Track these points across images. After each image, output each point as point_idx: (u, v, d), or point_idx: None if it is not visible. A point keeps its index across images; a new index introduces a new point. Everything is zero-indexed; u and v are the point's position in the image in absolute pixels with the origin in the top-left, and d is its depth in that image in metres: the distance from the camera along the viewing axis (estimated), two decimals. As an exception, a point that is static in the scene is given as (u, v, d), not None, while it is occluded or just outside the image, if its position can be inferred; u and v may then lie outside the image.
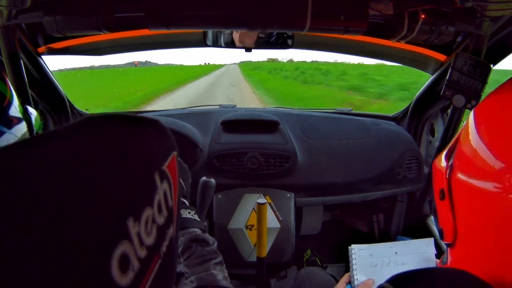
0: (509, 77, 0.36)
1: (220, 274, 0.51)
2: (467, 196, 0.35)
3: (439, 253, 0.70)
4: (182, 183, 0.67)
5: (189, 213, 0.59)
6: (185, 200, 0.64)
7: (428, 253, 0.70)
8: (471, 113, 0.37)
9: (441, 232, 0.40)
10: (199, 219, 0.60)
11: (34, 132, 0.50)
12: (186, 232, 0.55)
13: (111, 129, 0.20)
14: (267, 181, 1.18)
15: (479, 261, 0.35)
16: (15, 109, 0.45)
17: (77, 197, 0.16)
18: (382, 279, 0.66)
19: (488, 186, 0.32)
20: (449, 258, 0.41)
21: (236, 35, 1.06)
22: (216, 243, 0.57)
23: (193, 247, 0.53)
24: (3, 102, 0.43)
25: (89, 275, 0.15)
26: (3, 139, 0.40)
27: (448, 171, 0.38)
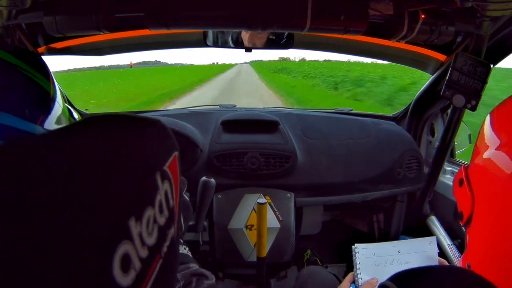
0: None
1: None
2: (483, 174, 0.41)
3: (441, 252, 0.71)
4: (182, 222, 0.68)
5: (184, 249, 0.62)
6: (180, 239, 0.66)
7: (431, 251, 0.71)
8: (487, 118, 0.44)
9: (461, 215, 0.45)
10: (191, 255, 0.62)
11: None
12: (185, 267, 0.56)
13: (113, 129, 0.20)
14: (267, 181, 1.18)
15: (493, 231, 0.38)
16: (62, 117, 0.43)
17: (78, 197, 0.16)
18: (385, 278, 0.66)
19: (500, 159, 0.37)
20: (467, 238, 0.45)
21: (245, 35, 1.06)
22: (214, 277, 0.58)
23: (194, 282, 0.54)
24: (52, 105, 0.40)
25: (90, 275, 0.15)
26: None
27: (466, 165, 0.46)
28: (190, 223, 0.84)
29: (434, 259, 0.70)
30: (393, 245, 0.71)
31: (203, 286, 0.54)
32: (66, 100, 1.23)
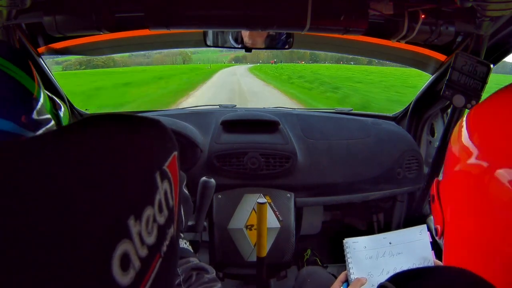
0: (502, 86, 0.38)
1: None
2: (453, 185, 0.41)
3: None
4: (183, 217, 0.67)
5: (185, 243, 0.61)
6: (181, 234, 0.65)
7: (423, 240, 0.69)
8: (464, 119, 0.41)
9: (436, 231, 0.45)
10: (192, 250, 0.62)
11: None
12: (185, 262, 0.56)
13: (113, 129, 0.20)
14: (267, 181, 1.18)
15: (465, 244, 0.38)
16: (43, 109, 0.40)
17: (77, 197, 0.16)
18: (378, 271, 0.65)
19: (472, 170, 0.36)
20: (444, 250, 0.45)
21: (245, 33, 1.06)
22: (214, 271, 0.58)
23: (194, 276, 0.54)
24: (31, 102, 0.39)
25: (90, 274, 0.15)
26: None
27: (438, 180, 0.45)
28: (190, 223, 0.84)
29: (426, 248, 0.68)
30: (383, 237, 0.69)
31: (203, 280, 0.54)
32: (65, 99, 1.23)
